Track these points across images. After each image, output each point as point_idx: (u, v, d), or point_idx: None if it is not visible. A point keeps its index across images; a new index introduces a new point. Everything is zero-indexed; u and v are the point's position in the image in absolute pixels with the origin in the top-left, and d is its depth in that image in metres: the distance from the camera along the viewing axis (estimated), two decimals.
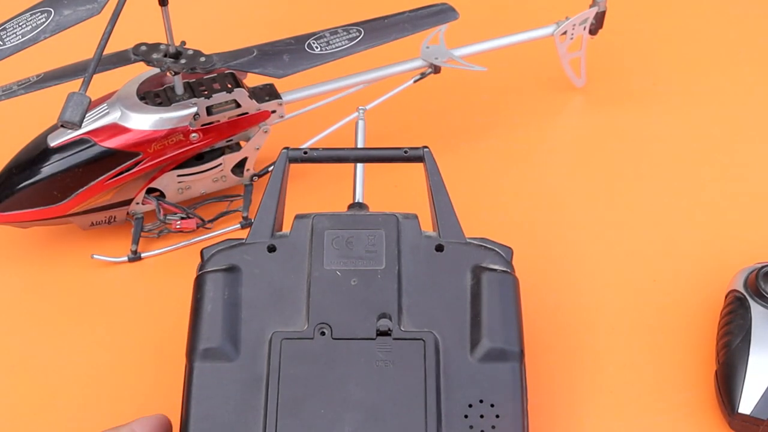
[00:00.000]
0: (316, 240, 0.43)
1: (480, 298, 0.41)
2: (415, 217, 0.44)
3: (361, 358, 0.40)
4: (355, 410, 0.38)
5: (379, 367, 0.39)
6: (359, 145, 0.53)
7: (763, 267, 0.49)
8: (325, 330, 0.40)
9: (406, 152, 0.47)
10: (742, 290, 0.49)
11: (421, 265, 0.43)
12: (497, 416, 0.39)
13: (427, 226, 0.44)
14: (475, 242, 0.44)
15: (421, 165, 0.47)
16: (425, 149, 0.47)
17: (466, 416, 0.39)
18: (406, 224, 0.44)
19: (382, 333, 0.40)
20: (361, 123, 0.54)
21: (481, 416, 0.39)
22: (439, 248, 0.43)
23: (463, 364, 0.40)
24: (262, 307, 0.41)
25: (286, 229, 0.44)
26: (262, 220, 0.44)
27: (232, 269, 0.42)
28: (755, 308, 0.48)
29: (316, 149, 0.47)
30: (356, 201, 0.49)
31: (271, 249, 0.43)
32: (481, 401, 0.39)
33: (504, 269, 0.43)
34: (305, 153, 0.47)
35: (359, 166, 0.51)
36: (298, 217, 0.44)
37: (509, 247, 0.44)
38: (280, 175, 0.46)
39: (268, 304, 0.41)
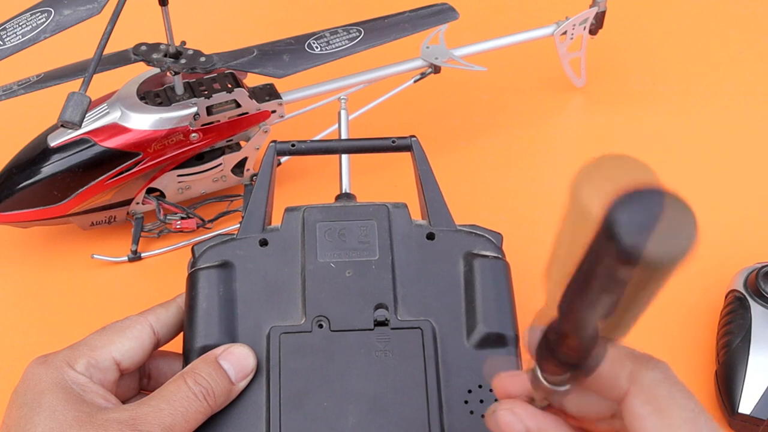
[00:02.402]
0: (308, 232, 0.43)
1: (473, 285, 0.42)
2: (405, 206, 0.44)
3: (361, 349, 0.40)
4: (358, 401, 0.38)
5: (378, 358, 0.39)
6: (343, 135, 0.53)
7: (763, 267, 0.49)
8: (323, 323, 0.40)
9: (393, 142, 0.47)
10: (742, 290, 0.49)
11: (413, 254, 0.43)
12: (496, 400, 0.39)
13: (416, 216, 0.45)
14: (466, 229, 0.44)
15: (410, 159, 0.47)
16: (413, 138, 0.47)
17: (466, 402, 0.39)
18: (396, 213, 0.44)
19: (379, 323, 0.40)
20: (343, 113, 0.54)
21: (481, 401, 0.39)
22: (431, 236, 0.43)
23: (461, 351, 0.40)
24: (257, 302, 0.41)
25: (276, 222, 0.44)
26: (252, 214, 0.44)
27: (225, 265, 0.42)
28: (755, 308, 0.48)
29: (304, 141, 0.47)
30: (344, 192, 0.49)
31: (263, 243, 0.43)
32: (480, 386, 0.39)
33: (495, 255, 0.43)
34: (293, 145, 0.47)
35: (344, 156, 0.51)
36: (288, 210, 0.44)
37: (499, 233, 0.44)
38: (269, 169, 0.46)
39: (263, 299, 0.41)
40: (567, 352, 0.28)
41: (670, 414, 0.30)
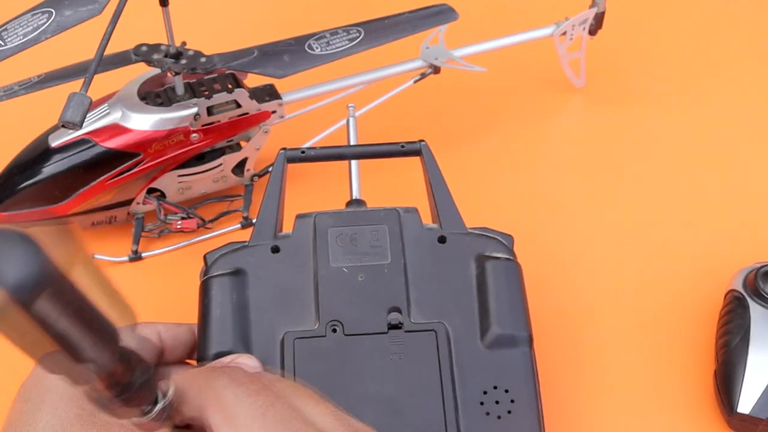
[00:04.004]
0: (320, 238, 0.43)
1: (486, 287, 0.42)
2: (416, 210, 0.44)
3: (375, 352, 0.40)
4: (374, 404, 0.38)
5: (393, 360, 0.40)
6: (352, 143, 0.53)
7: (762, 267, 0.50)
8: (336, 327, 0.40)
9: (403, 147, 0.48)
10: (741, 290, 0.50)
11: (425, 257, 0.43)
12: (512, 401, 0.39)
13: (426, 220, 0.45)
14: (477, 232, 0.44)
15: (416, 163, 0.47)
16: (422, 143, 0.47)
17: (482, 403, 0.39)
18: (407, 218, 0.44)
19: (393, 326, 0.41)
20: (352, 120, 0.54)
21: (497, 402, 0.39)
22: (442, 240, 0.44)
23: (475, 352, 0.40)
24: (270, 308, 0.41)
25: (287, 229, 0.44)
26: (263, 221, 0.44)
27: (237, 272, 0.42)
28: (754, 308, 0.48)
29: (314, 148, 0.47)
30: (354, 198, 0.50)
31: (275, 250, 0.43)
32: (495, 387, 0.40)
33: (507, 257, 0.43)
34: (303, 152, 0.47)
35: (354, 162, 0.51)
36: (299, 216, 0.44)
37: (510, 235, 0.44)
38: (279, 176, 0.46)
39: (276, 305, 0.41)
40: (117, 382, 0.27)
41: (237, 417, 0.29)
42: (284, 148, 0.47)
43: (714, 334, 0.51)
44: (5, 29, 0.50)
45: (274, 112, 0.58)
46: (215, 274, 0.42)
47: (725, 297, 0.51)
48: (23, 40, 0.50)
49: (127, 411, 0.28)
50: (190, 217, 0.57)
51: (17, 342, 0.22)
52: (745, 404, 0.46)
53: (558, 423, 0.47)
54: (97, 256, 0.56)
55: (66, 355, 0.23)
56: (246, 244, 0.43)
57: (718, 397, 0.48)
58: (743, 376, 0.46)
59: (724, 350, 0.48)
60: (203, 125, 0.55)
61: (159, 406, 0.29)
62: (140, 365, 0.27)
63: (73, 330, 0.23)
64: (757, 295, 0.49)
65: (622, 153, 0.65)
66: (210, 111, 0.55)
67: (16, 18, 0.51)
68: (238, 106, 0.56)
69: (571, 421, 0.48)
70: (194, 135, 0.55)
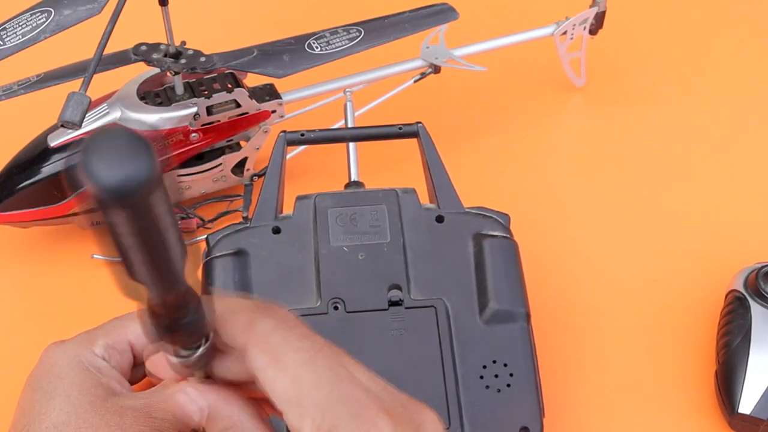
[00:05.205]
0: (320, 219, 0.44)
1: (483, 264, 0.43)
2: (413, 191, 0.45)
3: (376, 329, 0.41)
4: None
5: (394, 336, 0.40)
6: (350, 126, 0.54)
7: (763, 267, 0.49)
8: (338, 305, 0.41)
9: (400, 129, 0.48)
10: (742, 290, 0.50)
11: (424, 236, 0.44)
12: (511, 374, 0.40)
13: (423, 202, 0.46)
14: (474, 211, 0.45)
15: (413, 150, 0.48)
16: (419, 124, 0.48)
17: (481, 377, 0.40)
18: (405, 198, 0.45)
19: (394, 303, 0.41)
20: (349, 104, 0.55)
21: (496, 376, 0.40)
22: (440, 219, 0.45)
23: (474, 328, 0.41)
24: (273, 287, 0.42)
25: (287, 211, 0.45)
26: (264, 203, 0.45)
27: (239, 253, 0.43)
28: (755, 308, 0.48)
29: (313, 131, 0.48)
30: (352, 180, 0.50)
31: (276, 231, 0.44)
32: (494, 362, 0.40)
33: (504, 235, 0.44)
34: (302, 135, 0.48)
35: (352, 145, 0.52)
36: (299, 198, 0.45)
37: (506, 214, 0.45)
38: (280, 159, 0.47)
39: (278, 284, 0.42)
40: (165, 314, 0.27)
41: (285, 359, 0.29)
42: (284, 131, 0.48)
43: (715, 334, 0.51)
44: (4, 29, 0.50)
45: (273, 111, 0.58)
46: (217, 254, 0.43)
47: (726, 297, 0.51)
48: (22, 40, 0.50)
49: (168, 347, 0.28)
50: (189, 217, 0.57)
51: (109, 232, 0.24)
52: (746, 405, 0.45)
53: (557, 423, 0.47)
54: (96, 257, 0.56)
55: (146, 263, 0.24)
56: (247, 225, 0.44)
57: (719, 398, 0.47)
58: (744, 376, 0.46)
59: (725, 350, 0.48)
60: (203, 125, 0.55)
61: (199, 352, 0.29)
62: (194, 303, 0.27)
63: (159, 236, 0.24)
64: (758, 295, 0.49)
65: (622, 153, 0.65)
66: (209, 110, 0.55)
67: (14, 17, 0.51)
68: (238, 105, 0.56)
69: (571, 422, 0.48)
70: (194, 135, 0.55)
